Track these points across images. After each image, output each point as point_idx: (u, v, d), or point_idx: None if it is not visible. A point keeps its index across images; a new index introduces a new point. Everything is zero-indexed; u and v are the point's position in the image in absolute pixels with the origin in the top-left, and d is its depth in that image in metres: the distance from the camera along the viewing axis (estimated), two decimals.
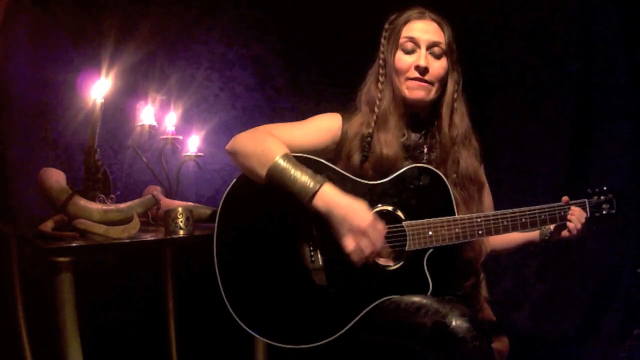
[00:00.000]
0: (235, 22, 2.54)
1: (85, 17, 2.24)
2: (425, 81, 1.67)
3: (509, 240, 1.86)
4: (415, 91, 1.68)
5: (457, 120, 1.72)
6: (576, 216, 1.72)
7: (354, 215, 1.48)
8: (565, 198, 1.76)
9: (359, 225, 1.47)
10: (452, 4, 2.65)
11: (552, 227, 1.76)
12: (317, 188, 1.49)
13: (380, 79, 1.73)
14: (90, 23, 2.24)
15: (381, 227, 1.50)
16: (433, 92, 1.70)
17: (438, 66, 1.69)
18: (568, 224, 1.72)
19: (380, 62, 1.73)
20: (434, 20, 1.72)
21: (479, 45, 2.78)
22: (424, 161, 1.73)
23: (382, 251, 1.53)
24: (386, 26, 1.74)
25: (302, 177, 1.50)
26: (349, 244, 1.48)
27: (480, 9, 2.76)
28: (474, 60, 2.77)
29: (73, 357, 1.46)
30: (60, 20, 2.20)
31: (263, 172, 1.53)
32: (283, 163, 1.52)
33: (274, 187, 1.53)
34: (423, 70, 1.66)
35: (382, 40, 1.74)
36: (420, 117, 1.76)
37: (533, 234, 1.82)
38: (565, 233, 1.73)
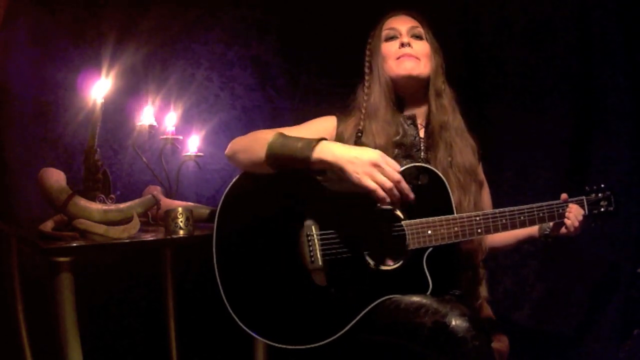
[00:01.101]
0: (235, 22, 2.54)
1: (85, 17, 2.23)
2: (412, 56, 1.75)
3: (509, 236, 1.87)
4: (404, 64, 1.74)
5: (445, 103, 1.77)
6: (574, 213, 1.74)
7: (361, 154, 1.47)
8: (564, 195, 1.77)
9: (371, 159, 1.46)
10: (452, 4, 2.67)
11: (551, 223, 1.77)
12: (317, 141, 1.51)
13: (366, 84, 1.79)
14: (90, 23, 2.24)
15: (392, 160, 1.50)
16: (422, 67, 1.75)
17: (421, 44, 1.78)
18: (566, 221, 1.74)
19: (366, 69, 1.81)
20: (409, 14, 1.84)
21: (479, 45, 2.78)
22: (421, 160, 1.74)
23: (402, 183, 1.49)
24: (369, 40, 1.84)
25: (301, 140, 1.53)
26: (369, 183, 1.46)
27: (480, 9, 2.76)
28: (474, 60, 2.78)
29: (73, 357, 1.46)
30: (60, 20, 2.20)
31: (262, 154, 1.54)
32: (280, 137, 1.56)
33: (277, 165, 1.54)
34: (407, 44, 1.75)
35: (367, 52, 1.83)
36: (416, 113, 1.77)
37: (533, 229, 1.84)
38: (563, 230, 1.76)
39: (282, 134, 1.58)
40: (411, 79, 1.75)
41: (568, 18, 2.65)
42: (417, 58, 1.75)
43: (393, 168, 1.48)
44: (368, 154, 1.48)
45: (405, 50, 1.74)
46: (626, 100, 2.59)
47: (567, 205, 1.75)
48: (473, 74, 2.76)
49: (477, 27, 2.78)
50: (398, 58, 1.75)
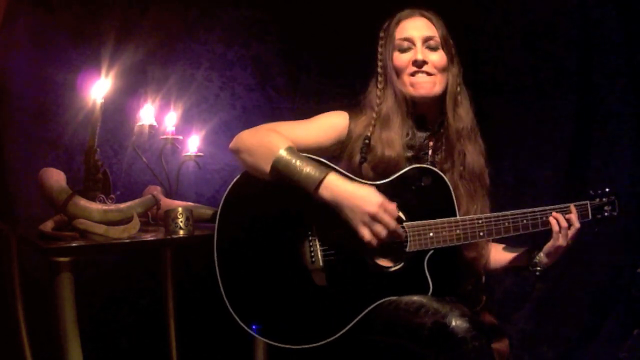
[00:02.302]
0: (235, 22, 2.54)
1: (85, 17, 2.24)
2: (427, 73, 1.68)
3: (500, 260, 1.83)
4: (420, 87, 1.68)
5: (461, 112, 1.72)
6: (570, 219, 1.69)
7: (362, 201, 1.49)
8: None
9: (370, 211, 1.48)
10: (452, 4, 2.66)
11: (542, 254, 1.71)
12: (322, 177, 1.50)
13: (379, 85, 1.74)
14: (90, 23, 2.24)
15: (392, 207, 1.51)
16: (437, 85, 1.69)
17: (436, 58, 1.70)
18: (555, 222, 1.68)
19: (379, 69, 1.75)
20: (424, 16, 1.74)
21: (479, 45, 2.78)
22: (428, 163, 1.72)
23: (397, 231, 1.53)
24: (381, 34, 1.76)
25: (307, 167, 1.51)
26: (365, 233, 1.49)
27: (480, 9, 2.76)
28: (474, 60, 2.77)
29: (73, 357, 1.46)
30: (60, 20, 2.20)
31: (267, 166, 1.52)
32: (287, 155, 1.52)
33: (279, 181, 1.52)
34: (421, 63, 1.68)
35: (379, 49, 1.75)
36: (427, 117, 1.75)
37: (522, 262, 1.76)
38: (560, 242, 1.67)
39: (290, 150, 1.53)
40: (426, 99, 1.70)
41: (568, 18, 2.65)
42: (432, 74, 1.68)
43: (391, 216, 1.50)
44: (369, 204, 1.48)
45: (419, 69, 1.68)
46: (626, 101, 2.59)
47: (569, 210, 1.73)
48: (473, 73, 2.75)
49: (477, 27, 2.78)
50: (412, 75, 1.69)
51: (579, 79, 2.65)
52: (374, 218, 1.48)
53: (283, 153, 1.52)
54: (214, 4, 2.49)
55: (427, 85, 1.68)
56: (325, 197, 1.50)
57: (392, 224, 1.50)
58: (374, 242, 1.50)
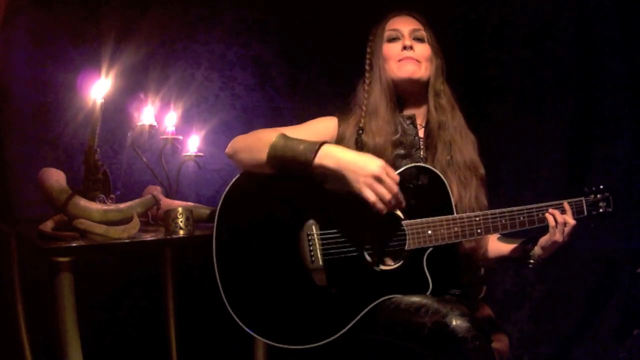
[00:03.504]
0: (235, 22, 2.54)
1: (85, 17, 2.24)
2: (414, 60, 1.75)
3: (496, 250, 1.85)
4: (405, 67, 1.75)
5: (444, 103, 1.78)
6: (567, 214, 1.71)
7: (364, 164, 1.49)
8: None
9: (373, 172, 1.48)
10: (452, 4, 2.67)
11: (536, 247, 1.73)
12: (319, 146, 1.52)
13: (367, 81, 1.80)
14: (90, 23, 2.24)
15: (392, 172, 1.52)
16: (422, 70, 1.76)
17: (422, 48, 1.78)
18: (551, 218, 1.70)
19: (367, 66, 1.81)
20: (411, 15, 1.83)
21: (479, 45, 2.78)
22: (420, 159, 1.75)
23: (399, 195, 1.52)
24: (370, 37, 1.84)
25: (303, 143, 1.54)
26: (369, 195, 1.48)
27: (480, 9, 2.77)
28: (474, 60, 2.78)
29: (73, 357, 1.46)
30: (60, 20, 2.20)
31: (264, 155, 1.55)
32: (281, 139, 1.56)
33: (278, 168, 1.54)
34: (409, 48, 1.76)
35: (368, 49, 1.83)
36: (415, 111, 1.78)
37: (517, 253, 1.79)
38: (557, 237, 1.69)
39: (284, 135, 1.58)
40: (411, 82, 1.75)
41: (568, 18, 2.65)
42: (418, 61, 1.75)
43: (393, 180, 1.51)
44: (370, 165, 1.49)
45: (407, 54, 1.75)
46: (625, 100, 2.60)
47: (564, 208, 1.74)
48: (473, 74, 2.76)
49: (477, 27, 2.79)
50: (399, 60, 1.75)
51: (579, 79, 2.66)
52: (378, 179, 1.48)
53: (278, 138, 1.56)
54: (214, 4, 2.49)
55: (412, 66, 1.75)
56: (327, 164, 1.51)
57: (395, 187, 1.50)
58: (379, 205, 1.49)
